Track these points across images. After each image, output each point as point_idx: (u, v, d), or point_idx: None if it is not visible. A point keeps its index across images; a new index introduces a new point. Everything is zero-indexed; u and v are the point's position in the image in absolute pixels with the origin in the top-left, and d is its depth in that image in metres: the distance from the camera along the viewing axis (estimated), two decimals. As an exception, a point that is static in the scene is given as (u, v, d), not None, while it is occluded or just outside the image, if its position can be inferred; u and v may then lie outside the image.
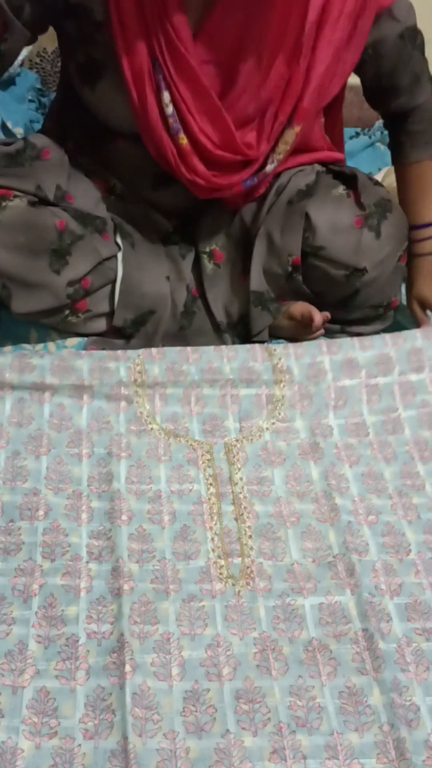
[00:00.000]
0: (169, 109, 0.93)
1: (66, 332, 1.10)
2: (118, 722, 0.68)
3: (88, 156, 1.07)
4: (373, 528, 0.88)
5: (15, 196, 0.98)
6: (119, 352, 1.05)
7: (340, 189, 1.08)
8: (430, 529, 0.88)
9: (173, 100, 0.93)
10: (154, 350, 1.05)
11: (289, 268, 1.08)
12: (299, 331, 1.14)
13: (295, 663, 0.74)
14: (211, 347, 1.07)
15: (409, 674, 0.74)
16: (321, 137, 1.12)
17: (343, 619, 0.78)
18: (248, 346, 1.08)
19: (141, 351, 1.05)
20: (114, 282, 1.07)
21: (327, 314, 1.10)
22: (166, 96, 0.92)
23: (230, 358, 1.06)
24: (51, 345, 1.12)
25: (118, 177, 1.08)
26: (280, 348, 1.07)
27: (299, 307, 1.11)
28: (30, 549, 0.82)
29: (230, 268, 1.13)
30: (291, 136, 1.01)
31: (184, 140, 0.95)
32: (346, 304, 1.12)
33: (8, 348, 1.10)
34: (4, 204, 0.97)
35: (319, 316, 1.08)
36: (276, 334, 1.17)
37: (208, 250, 1.12)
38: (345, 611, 0.79)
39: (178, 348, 1.07)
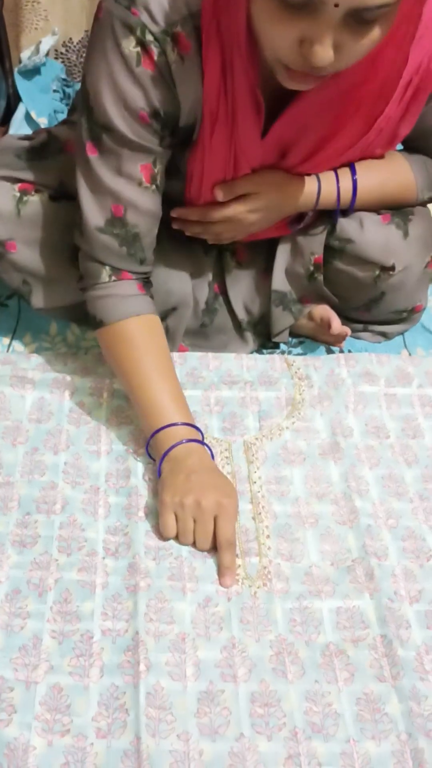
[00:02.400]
0: None
1: (86, 326, 1.10)
2: (132, 722, 0.67)
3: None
4: (393, 532, 0.86)
5: (37, 191, 0.97)
6: None
7: None
8: (452, 535, 0.86)
9: None
10: (175, 355, 1.06)
11: (311, 267, 1.06)
12: (320, 333, 1.12)
13: (312, 667, 0.73)
14: (232, 355, 1.08)
15: (428, 683, 0.72)
16: None
17: (362, 624, 0.77)
18: (267, 357, 1.09)
19: None
20: None
21: (348, 330, 1.08)
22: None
23: (249, 367, 1.06)
24: (70, 335, 1.11)
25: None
26: (299, 360, 1.08)
27: (320, 310, 1.10)
28: (46, 542, 0.82)
29: (253, 267, 1.12)
30: None
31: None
32: (370, 308, 1.10)
33: (27, 338, 1.10)
34: (25, 198, 0.97)
35: (337, 323, 1.07)
36: (297, 332, 1.15)
37: (231, 248, 1.10)
38: (363, 616, 0.78)
39: (198, 354, 1.08)
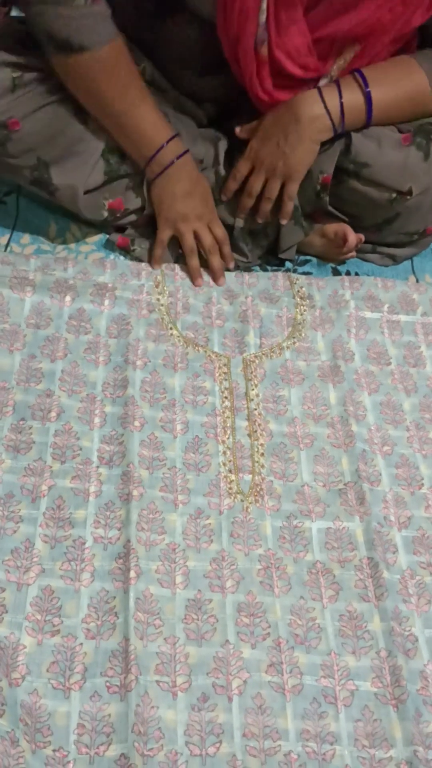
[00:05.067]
0: (263, 18, 0.85)
1: (92, 225, 1.06)
2: (121, 624, 0.69)
3: (123, 33, 0.99)
4: (387, 459, 0.87)
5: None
6: (142, 266, 1.03)
7: None
8: (445, 465, 0.87)
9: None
10: (177, 268, 1.03)
11: (318, 187, 1.01)
12: (329, 251, 1.09)
13: (298, 583, 0.75)
14: (233, 273, 1.05)
15: (411, 605, 0.74)
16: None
17: (350, 545, 0.78)
18: (270, 274, 1.06)
19: (164, 267, 1.03)
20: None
21: (361, 236, 1.05)
22: (264, 3, 0.84)
23: (251, 284, 1.04)
24: (70, 238, 1.08)
25: (157, 59, 1.00)
26: (302, 278, 1.06)
27: (334, 226, 1.06)
28: (40, 449, 0.81)
29: None
30: (351, 53, 0.93)
31: (264, 51, 0.88)
32: (381, 229, 1.07)
33: (26, 239, 1.06)
34: (24, 76, 0.92)
35: (353, 236, 1.03)
36: (304, 251, 1.12)
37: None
38: (352, 538, 0.79)
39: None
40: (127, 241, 1.05)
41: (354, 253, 1.08)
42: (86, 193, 0.99)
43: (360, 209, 1.04)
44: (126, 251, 1.05)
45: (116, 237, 1.05)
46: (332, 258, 1.10)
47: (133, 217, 1.05)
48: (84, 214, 1.02)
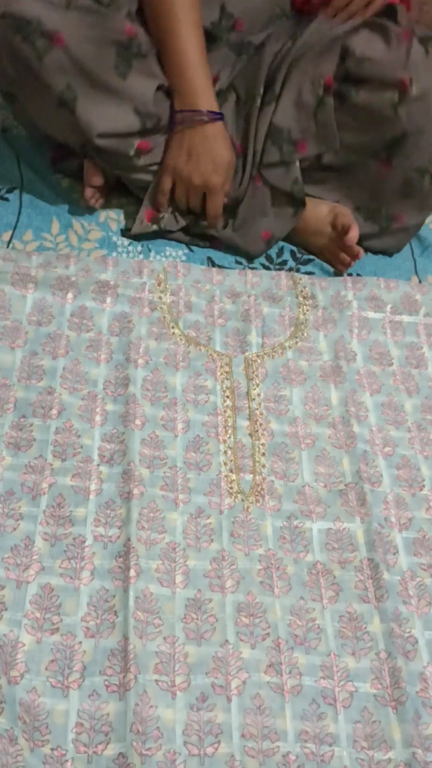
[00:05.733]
0: None
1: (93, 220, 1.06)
2: (120, 623, 0.69)
3: None
4: (389, 460, 0.87)
5: None
6: (144, 263, 1.03)
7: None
8: (446, 466, 0.87)
9: None
10: (179, 265, 1.03)
11: (321, 92, 1.00)
12: (333, 247, 1.09)
13: (298, 584, 0.75)
14: (236, 271, 1.05)
15: (411, 607, 0.74)
16: None
17: (350, 546, 0.78)
18: (273, 273, 1.06)
19: (166, 264, 1.03)
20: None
21: (361, 251, 1.07)
22: None
23: (254, 284, 1.04)
24: (73, 236, 1.08)
25: None
26: (305, 278, 1.06)
27: (341, 217, 1.06)
28: (41, 447, 0.81)
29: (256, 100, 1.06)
30: None
31: None
32: (391, 158, 1.03)
33: (28, 236, 1.06)
34: None
35: (355, 231, 1.04)
36: (308, 249, 1.12)
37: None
38: (352, 539, 0.79)
39: (203, 267, 1.05)
40: (154, 213, 1.06)
41: (354, 252, 1.07)
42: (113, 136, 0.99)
43: (364, 130, 1.02)
44: (156, 223, 1.07)
45: (144, 214, 1.06)
46: (333, 257, 1.10)
47: (153, 162, 1.05)
48: (103, 152, 1.00)
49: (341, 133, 1.02)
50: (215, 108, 1.00)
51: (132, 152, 1.01)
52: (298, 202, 1.06)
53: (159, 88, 0.99)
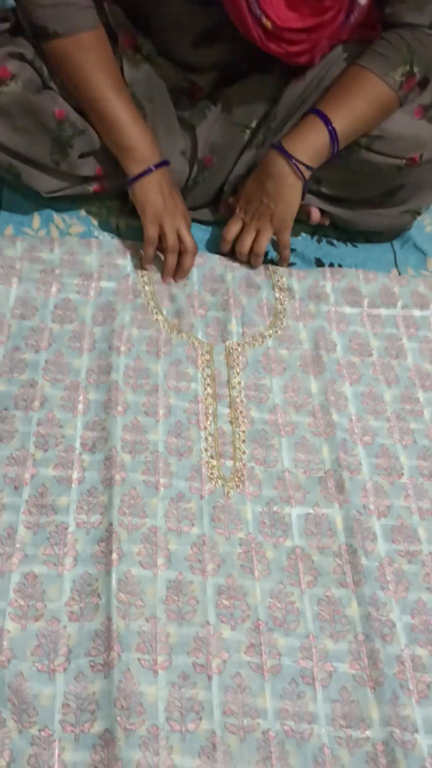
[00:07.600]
0: None
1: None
2: (103, 605, 0.69)
3: (119, 6, 0.98)
4: (368, 448, 0.88)
5: (12, 79, 0.93)
6: (128, 243, 1.03)
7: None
8: (424, 455, 0.89)
9: None
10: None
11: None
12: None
13: (277, 568, 0.76)
14: (216, 256, 1.06)
15: (389, 592, 0.76)
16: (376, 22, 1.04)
17: (329, 531, 0.80)
18: None
19: None
20: None
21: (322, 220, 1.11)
22: None
23: (234, 267, 1.05)
24: (54, 231, 1.07)
25: (151, 32, 1.00)
26: (281, 270, 1.07)
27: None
28: (23, 438, 0.81)
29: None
30: None
31: (267, 24, 0.89)
32: (382, 202, 1.08)
33: (9, 231, 1.05)
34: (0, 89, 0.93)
35: (317, 214, 1.08)
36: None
37: (252, 124, 1.05)
38: (331, 524, 0.80)
39: None
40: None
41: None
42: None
43: (365, 178, 1.05)
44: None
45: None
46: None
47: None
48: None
49: (342, 171, 1.04)
50: (155, 158, 0.98)
51: (90, 194, 1.05)
52: None
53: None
